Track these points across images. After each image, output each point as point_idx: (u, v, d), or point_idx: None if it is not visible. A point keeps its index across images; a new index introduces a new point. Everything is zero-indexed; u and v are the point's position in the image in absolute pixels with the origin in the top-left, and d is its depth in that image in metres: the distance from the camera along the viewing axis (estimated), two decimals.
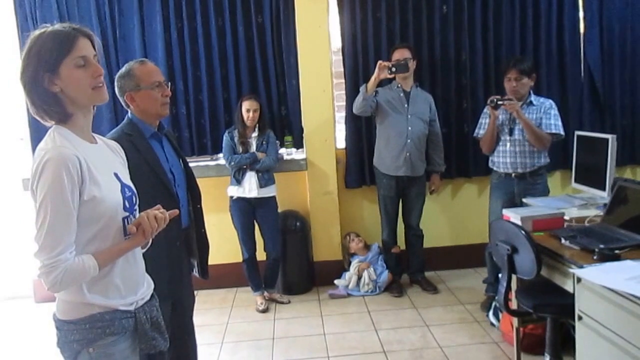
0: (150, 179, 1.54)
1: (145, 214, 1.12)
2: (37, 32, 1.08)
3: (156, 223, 1.11)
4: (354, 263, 3.12)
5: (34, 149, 3.08)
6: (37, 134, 3.07)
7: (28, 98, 1.08)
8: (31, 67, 1.05)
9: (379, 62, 2.80)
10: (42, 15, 2.96)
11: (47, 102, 1.06)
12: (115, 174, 1.14)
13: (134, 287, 1.16)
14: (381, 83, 2.89)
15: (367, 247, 3.17)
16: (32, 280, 3.24)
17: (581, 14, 3.17)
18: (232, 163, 2.87)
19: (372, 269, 3.07)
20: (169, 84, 1.67)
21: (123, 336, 1.11)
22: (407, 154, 2.88)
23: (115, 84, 1.61)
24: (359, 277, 3.07)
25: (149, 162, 1.56)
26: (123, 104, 1.62)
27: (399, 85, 2.93)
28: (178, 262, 1.64)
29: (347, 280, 3.10)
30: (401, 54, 2.85)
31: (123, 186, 1.14)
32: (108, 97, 1.13)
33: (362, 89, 2.86)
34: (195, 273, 1.77)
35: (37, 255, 1.01)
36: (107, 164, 1.14)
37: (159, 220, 1.12)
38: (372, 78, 2.80)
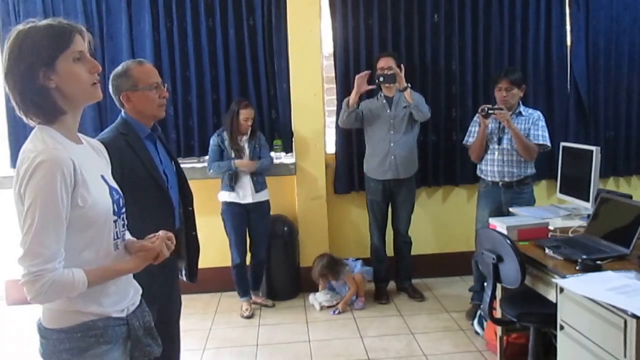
0: (146, 180, 1.52)
1: (162, 241, 1.12)
2: (24, 27, 1.01)
3: (166, 252, 1.12)
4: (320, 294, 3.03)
5: (11, 146, 3.03)
6: (15, 130, 2.98)
7: (17, 95, 1.00)
8: (24, 62, 0.98)
9: (357, 77, 2.83)
10: (25, 10, 2.90)
11: (41, 99, 0.99)
12: (102, 177, 1.09)
13: (125, 291, 1.13)
14: (367, 95, 2.93)
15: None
16: (4, 281, 3.13)
17: (568, 27, 3.23)
18: (211, 171, 2.85)
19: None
20: (166, 85, 1.64)
21: (116, 345, 1.06)
22: (392, 157, 2.90)
23: (110, 82, 1.58)
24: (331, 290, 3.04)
25: (144, 163, 1.53)
26: (117, 103, 1.59)
27: (381, 94, 2.95)
28: (169, 266, 1.61)
29: (321, 296, 3.01)
30: (386, 62, 2.86)
31: (111, 189, 1.09)
32: (102, 95, 1.09)
33: (344, 103, 2.90)
34: (182, 277, 1.74)
35: (21, 261, 0.94)
36: (94, 167, 1.09)
37: (169, 249, 1.13)
38: (353, 92, 2.84)
